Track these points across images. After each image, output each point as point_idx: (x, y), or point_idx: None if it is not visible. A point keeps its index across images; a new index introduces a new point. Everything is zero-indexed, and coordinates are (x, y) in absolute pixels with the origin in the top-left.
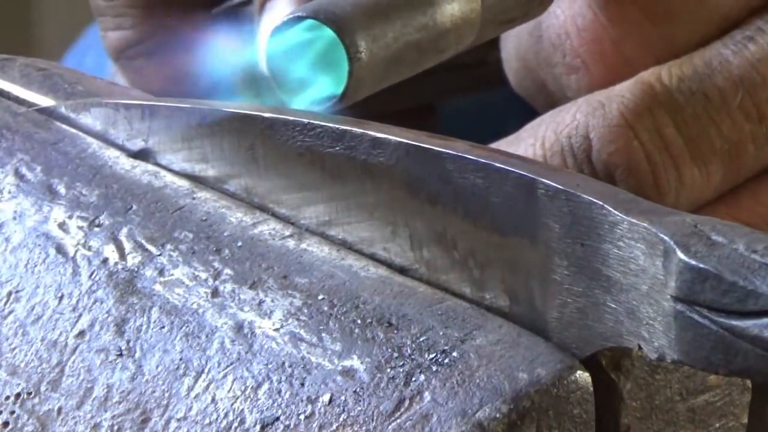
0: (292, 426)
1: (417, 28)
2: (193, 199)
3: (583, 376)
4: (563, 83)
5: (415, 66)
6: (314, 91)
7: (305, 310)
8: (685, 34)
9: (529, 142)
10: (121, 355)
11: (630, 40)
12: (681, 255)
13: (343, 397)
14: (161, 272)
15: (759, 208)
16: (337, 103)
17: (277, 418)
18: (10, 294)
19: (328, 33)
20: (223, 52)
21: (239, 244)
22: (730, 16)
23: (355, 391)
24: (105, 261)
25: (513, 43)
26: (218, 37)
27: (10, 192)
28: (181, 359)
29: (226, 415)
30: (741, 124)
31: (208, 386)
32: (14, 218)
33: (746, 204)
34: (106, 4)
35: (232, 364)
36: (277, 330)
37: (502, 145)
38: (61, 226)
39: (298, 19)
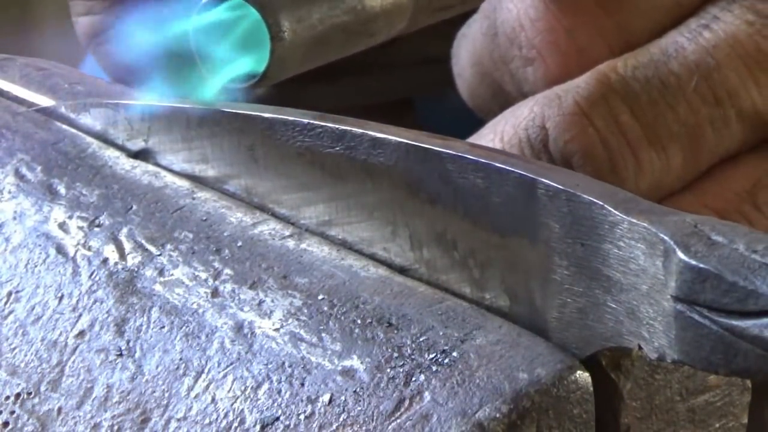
0: (292, 426)
1: (344, 11)
2: (193, 199)
3: (583, 376)
4: (520, 77)
5: (342, 49)
6: (236, 69)
7: (305, 310)
8: (640, 22)
9: (489, 138)
10: (121, 355)
11: (584, 29)
12: (681, 255)
13: (343, 397)
14: (161, 272)
15: (726, 194)
16: (258, 83)
17: (277, 418)
18: (10, 294)
19: (253, 12)
20: (151, 31)
21: (239, 244)
22: (683, 3)
23: (355, 391)
24: (105, 261)
25: (467, 50)
26: (148, 16)
27: (10, 192)
28: (181, 359)
29: (226, 415)
30: (698, 108)
31: (208, 386)
32: (14, 218)
33: (713, 190)
34: None
35: (232, 364)
36: (277, 330)
37: (469, 140)
38: (61, 226)
39: None
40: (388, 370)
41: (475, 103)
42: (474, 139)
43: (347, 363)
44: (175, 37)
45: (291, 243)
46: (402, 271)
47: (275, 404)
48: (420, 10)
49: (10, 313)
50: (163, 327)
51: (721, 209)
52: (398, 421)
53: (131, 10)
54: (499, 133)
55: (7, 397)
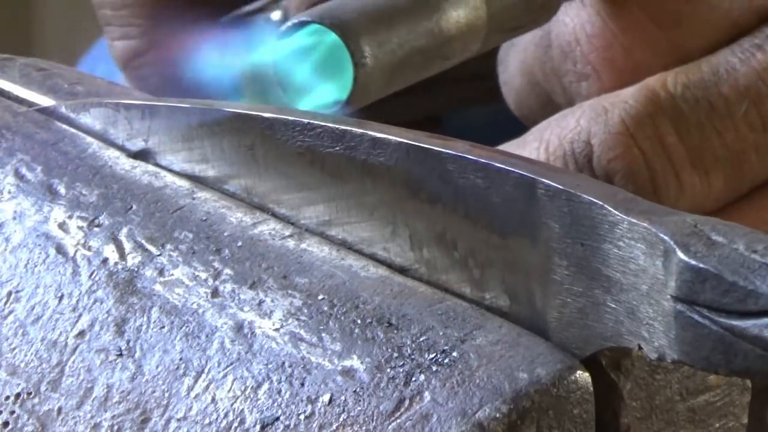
0: (292, 426)
1: (422, 34)
2: (193, 199)
3: (583, 376)
4: (572, 92)
5: (420, 72)
6: (319, 96)
7: (305, 310)
8: (694, 40)
9: (533, 145)
10: (121, 355)
11: (639, 46)
12: (681, 255)
13: (343, 397)
14: (161, 272)
15: (764, 217)
16: (342, 109)
17: (277, 418)
18: (10, 294)
19: (334, 38)
20: (230, 58)
21: (239, 244)
22: (739, 23)
23: (355, 391)
24: (105, 261)
25: (517, 59)
26: (225, 44)
27: (10, 192)
28: (181, 359)
29: (226, 415)
30: (744, 134)
31: (208, 386)
32: (14, 218)
33: (750, 215)
34: (113, 13)
35: (232, 364)
36: (277, 330)
37: (510, 146)
38: (61, 226)
39: (304, 23)
40: (388, 370)
41: (522, 113)
42: (518, 143)
43: (347, 363)
44: (250, 62)
45: (291, 243)
46: (402, 271)
47: (275, 404)
48: (493, 31)
49: (10, 313)
50: (163, 327)
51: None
52: (398, 421)
53: (169, 35)
54: (544, 141)
55: (7, 397)
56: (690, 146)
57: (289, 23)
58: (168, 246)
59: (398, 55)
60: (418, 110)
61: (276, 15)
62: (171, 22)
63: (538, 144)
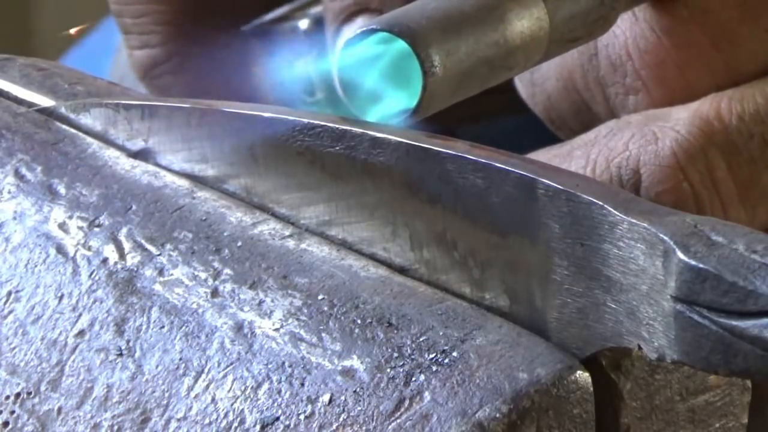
0: (292, 426)
1: (488, 44)
2: (193, 198)
3: (583, 376)
4: (617, 104)
5: (485, 82)
6: (386, 105)
7: (305, 310)
8: (749, 63)
9: (580, 163)
10: (121, 354)
11: (694, 65)
12: (681, 255)
13: (343, 397)
14: (161, 272)
15: None
16: (409, 118)
17: (277, 418)
18: (9, 294)
19: (402, 46)
20: (278, 68)
21: (239, 243)
22: None
23: (355, 391)
24: (105, 261)
25: (555, 62)
26: (268, 54)
27: (10, 192)
28: (181, 359)
29: (226, 415)
30: None
31: (208, 386)
32: (14, 218)
33: None
34: (133, 21)
35: (232, 364)
36: (277, 330)
37: (553, 159)
38: (61, 226)
39: (372, 31)
40: (388, 370)
41: (549, 116)
42: (565, 154)
43: (347, 363)
44: (315, 72)
45: (291, 243)
46: (402, 271)
47: (275, 404)
48: (554, 42)
49: (10, 312)
50: (163, 327)
51: None
52: (398, 421)
53: (190, 43)
54: (591, 161)
55: (7, 397)
56: (739, 181)
57: (357, 31)
58: (168, 246)
59: (465, 65)
60: (433, 124)
61: (304, 24)
62: (192, 31)
63: (584, 163)
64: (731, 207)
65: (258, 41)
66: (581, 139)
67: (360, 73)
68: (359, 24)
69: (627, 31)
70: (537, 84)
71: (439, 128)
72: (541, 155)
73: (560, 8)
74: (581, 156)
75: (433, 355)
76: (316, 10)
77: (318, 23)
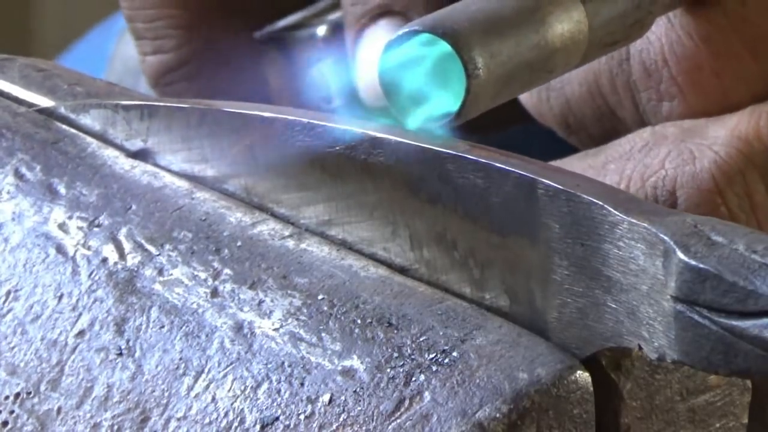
0: (292, 426)
1: (529, 47)
2: (193, 199)
3: (583, 376)
4: (648, 110)
5: (526, 85)
6: (429, 108)
7: (305, 310)
8: None
9: (614, 178)
10: (120, 354)
11: (731, 73)
12: (681, 255)
13: (343, 397)
14: (161, 272)
15: None
16: (452, 121)
17: (277, 418)
18: (9, 293)
19: (445, 48)
20: (295, 76)
21: (239, 244)
22: None
23: (355, 391)
24: (104, 261)
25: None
26: (284, 61)
27: (9, 192)
28: (180, 359)
29: (226, 414)
30: None
31: (208, 386)
32: (14, 218)
33: None
34: (145, 26)
35: (231, 363)
36: (276, 330)
37: (588, 164)
38: (61, 226)
39: (414, 33)
40: (388, 370)
41: (566, 121)
42: (599, 167)
43: (347, 363)
44: (344, 82)
45: (291, 243)
46: (402, 271)
47: (275, 404)
48: (591, 46)
49: (9, 312)
50: (163, 327)
51: None
52: (398, 421)
53: (204, 50)
54: (626, 178)
55: (7, 397)
56: None
57: (399, 32)
58: (167, 246)
59: (508, 67)
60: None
61: (321, 30)
62: (206, 37)
63: (618, 179)
64: (767, 228)
65: (274, 48)
66: (615, 150)
67: (402, 76)
68: (383, 27)
69: (663, 37)
70: (554, 89)
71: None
72: (576, 164)
73: (599, 12)
74: (615, 171)
75: (433, 355)
76: (333, 16)
77: (336, 29)
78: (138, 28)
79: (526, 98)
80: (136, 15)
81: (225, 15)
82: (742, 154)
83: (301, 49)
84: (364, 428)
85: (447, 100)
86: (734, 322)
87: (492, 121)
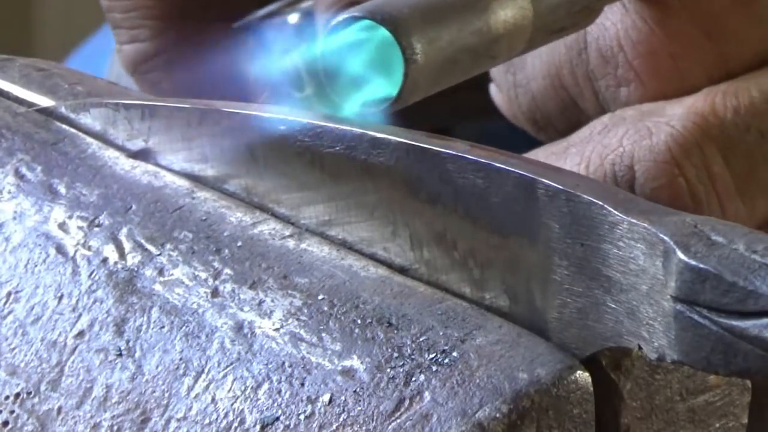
0: (292, 426)
1: (471, 33)
2: (193, 198)
3: (583, 376)
4: (607, 97)
5: (468, 71)
6: (367, 93)
7: (305, 310)
8: (742, 53)
9: (575, 160)
10: (120, 355)
11: (686, 55)
12: (681, 255)
13: (343, 397)
14: (161, 272)
15: None
16: (390, 106)
17: (277, 418)
18: (9, 294)
19: (384, 34)
20: (266, 64)
21: (239, 243)
22: None
23: (355, 391)
24: (105, 261)
25: (541, 61)
26: (255, 46)
27: (10, 192)
28: (181, 359)
29: (226, 415)
30: None
31: (208, 386)
32: (14, 218)
33: None
34: (122, 16)
35: (232, 364)
36: (277, 330)
37: (549, 157)
38: (61, 226)
39: (354, 19)
40: (388, 370)
41: (534, 117)
42: (561, 153)
43: (347, 363)
44: (297, 59)
45: (291, 243)
46: (402, 271)
47: (275, 404)
48: (538, 32)
49: (10, 313)
50: (163, 327)
51: None
52: (398, 421)
53: (180, 38)
54: (585, 159)
55: (7, 397)
56: (737, 174)
57: (338, 19)
58: (168, 246)
59: (448, 53)
60: (431, 119)
61: (293, 18)
62: (182, 26)
63: (579, 160)
64: (729, 201)
65: (248, 37)
66: (577, 136)
67: (343, 61)
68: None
69: (618, 23)
70: (521, 85)
71: (430, 128)
72: (540, 153)
73: None
74: (576, 153)
75: (433, 355)
76: (307, 4)
77: (308, 17)
78: (115, 18)
79: (498, 100)
80: (113, 5)
81: (201, 5)
82: (699, 128)
83: (273, 37)
84: (364, 428)
85: (387, 86)
86: (734, 322)
87: (464, 110)
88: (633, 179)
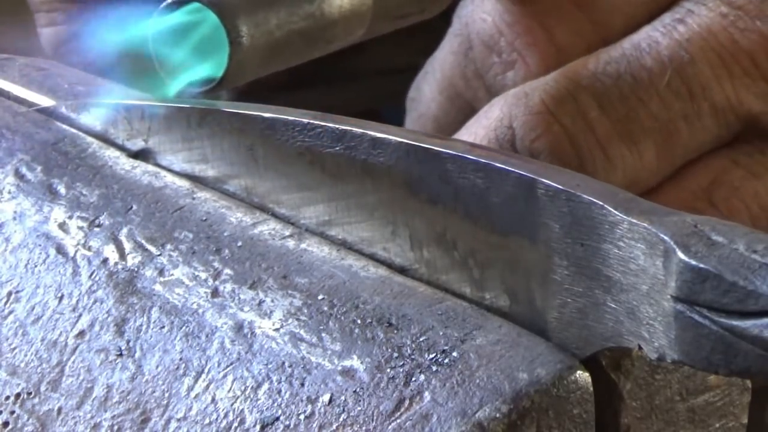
0: (292, 426)
1: (303, 17)
2: (193, 199)
3: (583, 376)
4: (498, 86)
5: (300, 54)
6: (194, 73)
7: (305, 310)
8: (616, 19)
9: (465, 138)
10: (121, 355)
11: (561, 28)
12: (681, 255)
13: (343, 397)
14: (161, 272)
15: (682, 192)
16: (216, 87)
17: (277, 418)
18: (10, 294)
19: (212, 16)
20: (109, 36)
21: (239, 244)
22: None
23: (355, 391)
24: (105, 261)
25: (434, 78)
26: (116, 22)
27: (10, 192)
28: (181, 359)
29: (226, 415)
30: (671, 103)
31: (208, 386)
32: (14, 218)
33: (671, 190)
34: (41, 0)
35: (232, 364)
36: (277, 330)
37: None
38: (62, 226)
39: (184, 2)
40: (388, 370)
41: (445, 133)
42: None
43: (347, 363)
44: (134, 40)
45: (291, 243)
46: (402, 271)
47: (275, 404)
48: (378, 18)
49: (10, 313)
50: (163, 327)
51: (700, 207)
52: (398, 421)
53: (93, 19)
54: (472, 134)
55: (7, 397)
56: (615, 119)
57: (168, 1)
58: (168, 246)
59: (276, 36)
60: (353, 103)
61: None
62: (95, 9)
63: (467, 136)
64: (611, 146)
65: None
66: (470, 121)
67: (171, 41)
68: None
69: (492, 12)
70: (424, 114)
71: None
72: None
73: None
74: (466, 134)
75: (433, 355)
76: None
77: None
78: (34, 1)
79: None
80: None
81: None
82: (569, 79)
83: (126, 14)
84: (364, 428)
85: (213, 67)
86: (734, 322)
87: (391, 93)
88: (513, 137)
